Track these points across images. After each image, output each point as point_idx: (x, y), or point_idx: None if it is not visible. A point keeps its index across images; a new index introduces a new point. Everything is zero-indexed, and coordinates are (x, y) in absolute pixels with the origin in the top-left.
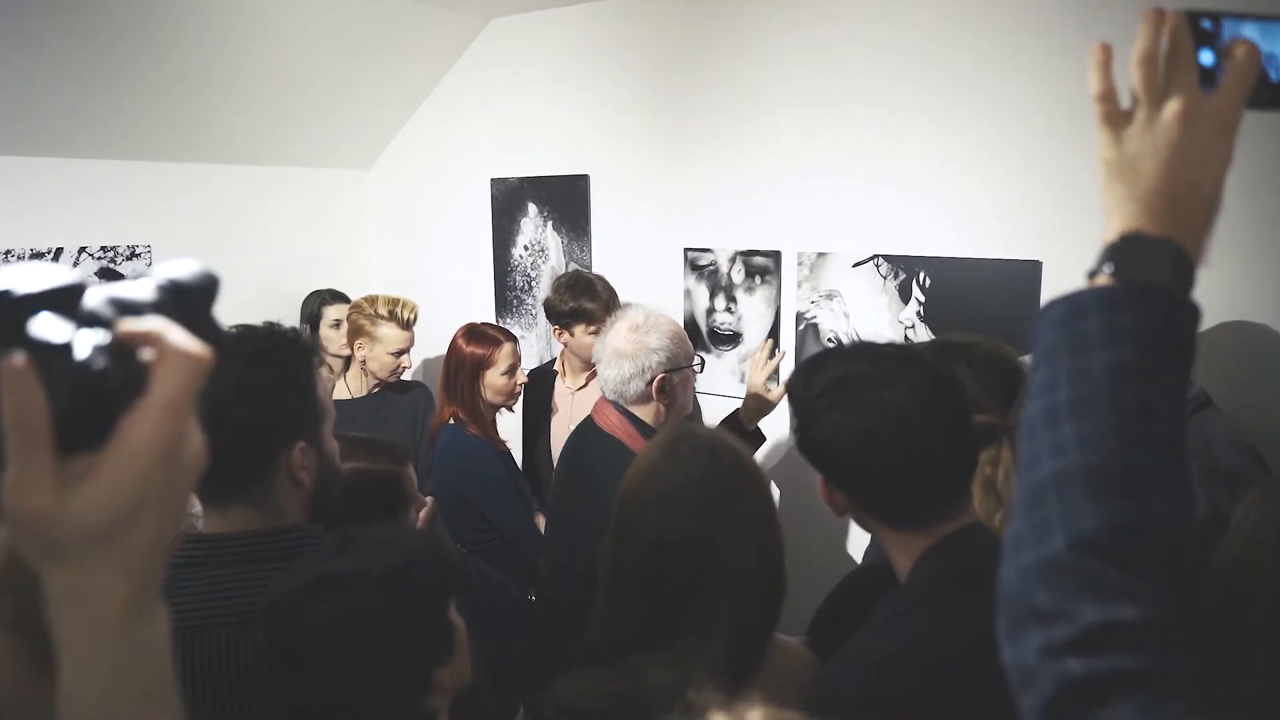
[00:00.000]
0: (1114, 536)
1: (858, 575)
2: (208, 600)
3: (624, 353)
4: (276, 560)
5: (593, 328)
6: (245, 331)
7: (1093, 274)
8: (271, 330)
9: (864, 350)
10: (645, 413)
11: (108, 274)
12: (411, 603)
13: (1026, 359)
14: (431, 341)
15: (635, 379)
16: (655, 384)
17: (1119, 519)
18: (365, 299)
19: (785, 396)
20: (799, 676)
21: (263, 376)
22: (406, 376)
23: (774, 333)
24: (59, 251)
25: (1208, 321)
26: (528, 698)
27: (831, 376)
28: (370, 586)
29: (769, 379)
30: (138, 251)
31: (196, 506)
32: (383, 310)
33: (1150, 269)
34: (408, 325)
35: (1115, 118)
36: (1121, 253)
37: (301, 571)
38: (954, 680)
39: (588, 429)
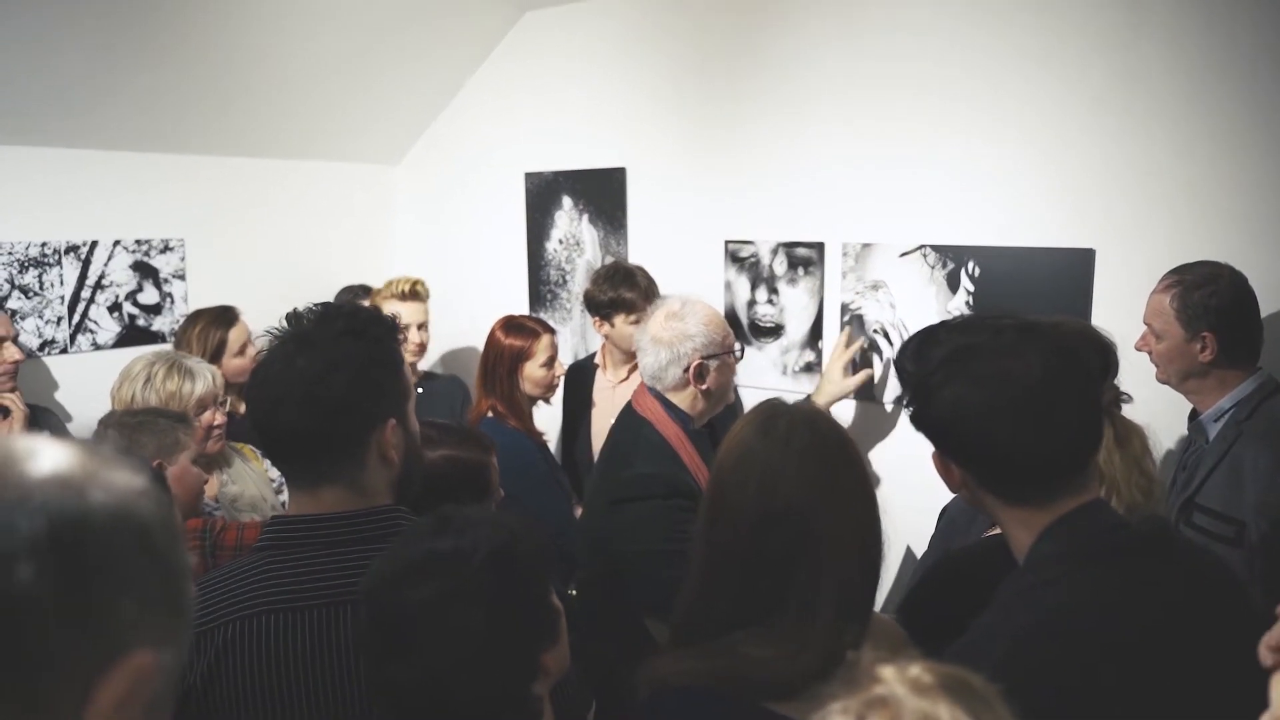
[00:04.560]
0: None
1: (945, 565)
2: (301, 582)
3: (661, 340)
4: (368, 542)
5: (633, 317)
6: (330, 308)
7: None
8: (357, 306)
9: (980, 322)
10: (682, 399)
11: (141, 267)
12: (518, 582)
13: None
14: (463, 335)
15: (672, 365)
16: (691, 370)
17: None
18: (376, 290)
19: (890, 374)
20: (896, 654)
21: (356, 351)
22: (432, 366)
23: (817, 324)
24: (94, 245)
25: (1272, 305)
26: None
27: (950, 349)
28: (476, 566)
29: (845, 366)
30: (170, 245)
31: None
32: (385, 292)
33: None
34: (406, 296)
35: None
36: None
37: (403, 551)
38: (1091, 654)
39: (626, 414)
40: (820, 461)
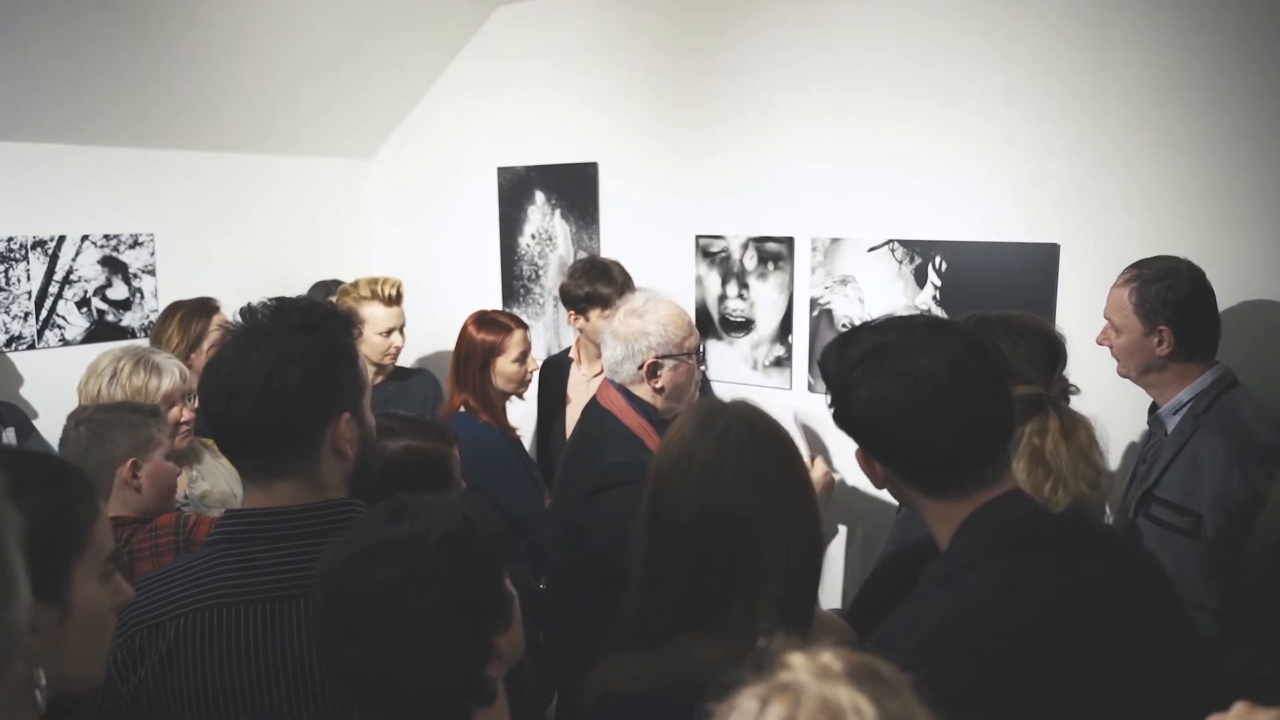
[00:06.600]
0: None
1: (894, 560)
2: (252, 576)
3: (619, 335)
4: (320, 536)
5: (608, 312)
6: (285, 302)
7: None
8: (311, 301)
9: (894, 322)
10: (642, 393)
11: (110, 263)
12: (472, 567)
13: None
14: (436, 331)
15: (627, 361)
16: (645, 367)
17: None
18: (349, 284)
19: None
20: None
21: (310, 345)
22: (404, 362)
23: (787, 319)
24: (61, 240)
25: (1231, 300)
26: (559, 685)
27: (865, 348)
28: (431, 550)
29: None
30: (140, 240)
31: (222, 481)
32: (365, 291)
33: None
34: (390, 301)
35: None
36: None
37: (358, 537)
38: (1009, 642)
39: (591, 407)
40: (759, 458)
